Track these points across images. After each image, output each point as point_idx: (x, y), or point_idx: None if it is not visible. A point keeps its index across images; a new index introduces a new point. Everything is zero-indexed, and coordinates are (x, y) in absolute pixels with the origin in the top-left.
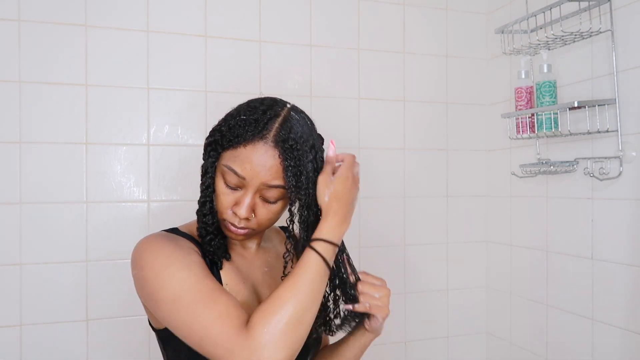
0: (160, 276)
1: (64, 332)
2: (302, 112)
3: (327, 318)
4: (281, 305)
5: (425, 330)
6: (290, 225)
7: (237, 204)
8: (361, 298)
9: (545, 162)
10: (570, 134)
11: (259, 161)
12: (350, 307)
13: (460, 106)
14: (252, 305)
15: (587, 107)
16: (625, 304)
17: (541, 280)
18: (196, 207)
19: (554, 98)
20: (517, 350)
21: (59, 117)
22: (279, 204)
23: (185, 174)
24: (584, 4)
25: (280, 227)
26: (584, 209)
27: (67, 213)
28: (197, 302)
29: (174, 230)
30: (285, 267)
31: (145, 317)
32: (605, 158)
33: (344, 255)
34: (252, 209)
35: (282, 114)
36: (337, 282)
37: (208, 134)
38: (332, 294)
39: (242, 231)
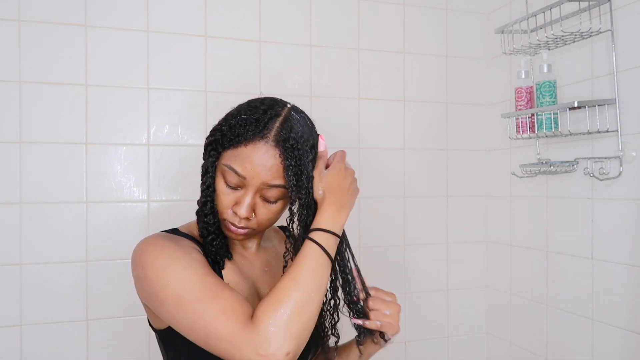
0: (162, 275)
1: (64, 332)
2: (302, 112)
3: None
4: (285, 297)
5: (425, 330)
6: (291, 225)
7: (237, 203)
8: (372, 315)
9: (545, 162)
10: (570, 134)
11: (259, 161)
12: (360, 322)
13: (460, 106)
14: (253, 305)
15: (587, 107)
16: (625, 304)
17: (541, 280)
18: (196, 207)
19: (554, 98)
20: (517, 350)
21: (59, 117)
22: (279, 204)
23: (185, 174)
24: (584, 4)
25: (279, 226)
26: (584, 209)
27: (67, 213)
28: (200, 299)
29: (174, 231)
30: (285, 267)
31: (146, 317)
32: (605, 158)
33: (355, 267)
34: (253, 209)
35: (283, 114)
36: (344, 284)
37: (208, 134)
38: (334, 296)
39: (242, 231)
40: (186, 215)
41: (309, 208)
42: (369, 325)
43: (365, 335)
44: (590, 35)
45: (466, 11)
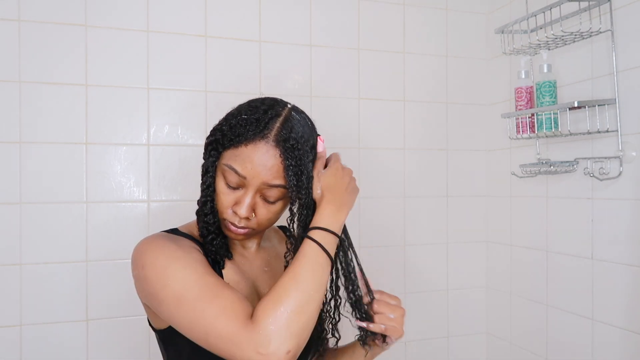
0: (162, 275)
1: (64, 332)
2: (302, 112)
3: (334, 320)
4: (285, 296)
5: (425, 330)
6: (291, 225)
7: (237, 203)
8: (377, 318)
9: (545, 162)
10: (570, 134)
11: (260, 160)
12: (364, 324)
13: (460, 106)
14: (253, 304)
15: (587, 107)
16: (625, 304)
17: (541, 280)
18: (196, 207)
19: (554, 98)
20: (517, 350)
21: (59, 117)
22: (279, 204)
23: (185, 174)
24: (584, 4)
25: (279, 226)
26: (584, 209)
27: (67, 213)
28: (200, 298)
29: (174, 231)
30: (286, 267)
31: (145, 317)
32: (605, 158)
33: (360, 270)
34: (253, 209)
35: (283, 114)
36: (347, 283)
37: (209, 133)
38: (335, 296)
39: (242, 231)
40: (186, 215)
41: (309, 208)
42: (373, 329)
43: (367, 337)
44: (590, 35)
45: (466, 11)
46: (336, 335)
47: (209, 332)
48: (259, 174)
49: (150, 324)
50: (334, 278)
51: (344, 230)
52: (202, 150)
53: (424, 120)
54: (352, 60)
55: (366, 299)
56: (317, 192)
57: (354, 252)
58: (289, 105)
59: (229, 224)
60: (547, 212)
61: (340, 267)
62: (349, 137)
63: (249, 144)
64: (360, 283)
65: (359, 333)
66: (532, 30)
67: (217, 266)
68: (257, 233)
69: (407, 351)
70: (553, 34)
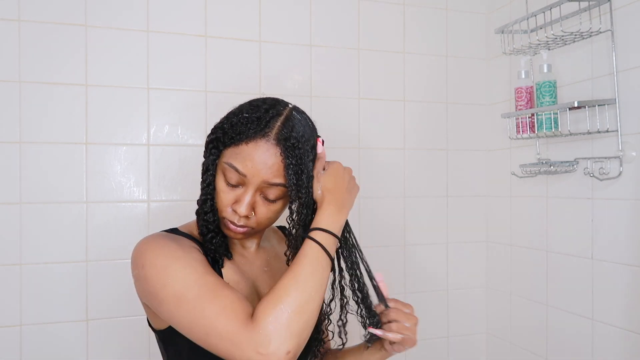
0: (162, 274)
1: (64, 332)
2: (303, 112)
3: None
4: (285, 296)
5: (425, 330)
6: (291, 224)
7: (237, 201)
8: (395, 327)
9: (545, 162)
10: (570, 134)
11: (260, 159)
12: (379, 333)
13: (460, 106)
14: (253, 304)
15: (587, 107)
16: (625, 304)
17: (541, 280)
18: (196, 207)
19: (554, 98)
20: (517, 350)
21: (59, 117)
22: (278, 203)
23: (185, 174)
24: (584, 4)
25: (278, 226)
26: (584, 209)
27: (67, 213)
28: (200, 297)
29: (174, 231)
30: (288, 265)
31: (145, 317)
32: (605, 158)
33: (368, 272)
34: (252, 207)
35: (285, 113)
36: (352, 280)
37: (210, 132)
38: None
39: (241, 229)
40: (186, 216)
41: (309, 207)
42: (392, 338)
43: (374, 341)
44: (590, 35)
45: (466, 11)
46: (342, 338)
47: (208, 332)
48: (259, 172)
49: (149, 324)
50: (338, 279)
51: (349, 229)
52: (202, 150)
53: (424, 120)
54: (352, 60)
55: (380, 308)
56: (317, 192)
57: (359, 251)
58: (290, 105)
59: (229, 223)
60: (547, 212)
61: (345, 266)
62: (349, 137)
63: (249, 142)
64: (378, 288)
65: (366, 336)
66: (532, 30)
67: (216, 265)
68: (256, 232)
69: (407, 351)
70: (553, 34)
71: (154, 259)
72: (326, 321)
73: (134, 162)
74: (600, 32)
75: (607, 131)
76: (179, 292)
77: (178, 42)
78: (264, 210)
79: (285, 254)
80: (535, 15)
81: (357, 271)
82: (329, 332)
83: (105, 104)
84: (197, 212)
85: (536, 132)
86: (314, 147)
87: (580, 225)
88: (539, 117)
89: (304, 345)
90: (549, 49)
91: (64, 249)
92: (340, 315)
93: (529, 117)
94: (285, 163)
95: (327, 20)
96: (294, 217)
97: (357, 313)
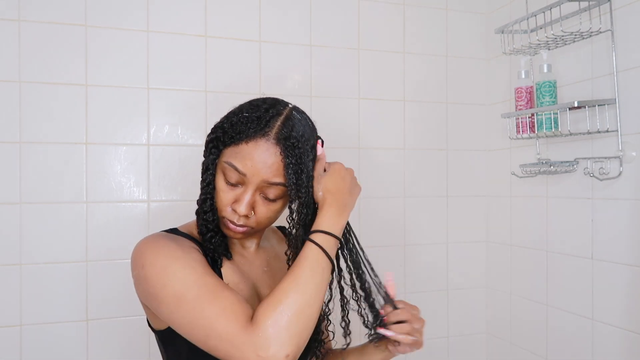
0: (161, 275)
1: (64, 332)
2: (303, 112)
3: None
4: (285, 298)
5: (426, 330)
6: (291, 224)
7: (236, 201)
8: (406, 328)
9: (545, 162)
10: (570, 134)
11: (260, 158)
12: (390, 334)
13: (460, 106)
14: (253, 305)
15: (587, 107)
16: (625, 304)
17: (541, 280)
18: (196, 207)
19: (554, 98)
20: (517, 350)
21: (59, 117)
22: (278, 203)
23: (185, 174)
24: (584, 4)
25: (277, 227)
26: (584, 209)
27: (67, 213)
28: (200, 298)
29: (174, 231)
30: (288, 266)
31: (145, 317)
32: (605, 158)
33: (376, 281)
34: (252, 207)
35: (284, 113)
36: (358, 277)
37: (210, 131)
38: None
39: (240, 229)
40: (186, 215)
41: (309, 207)
42: (403, 340)
43: (378, 341)
44: (590, 35)
45: (466, 11)
46: (347, 338)
47: (208, 333)
48: (259, 171)
49: (149, 325)
50: (337, 279)
51: (351, 230)
52: (202, 150)
53: (424, 120)
54: (352, 60)
55: (388, 309)
56: (318, 194)
57: (361, 250)
58: (290, 105)
59: (228, 222)
60: (547, 212)
61: (345, 267)
62: (349, 137)
63: (249, 141)
64: (386, 288)
65: (371, 335)
66: (532, 30)
67: (215, 265)
68: (256, 232)
69: None
70: (553, 34)
71: (153, 259)
72: (326, 321)
73: (134, 162)
74: (600, 32)
75: (607, 131)
76: (178, 292)
77: (178, 42)
78: (263, 210)
79: (285, 253)
80: (535, 15)
81: (359, 271)
82: (329, 333)
83: (105, 104)
84: (197, 212)
85: (536, 132)
86: (314, 147)
87: (580, 225)
88: (539, 117)
89: (304, 347)
90: (549, 49)
91: (64, 249)
92: (343, 316)
93: (529, 117)
94: (285, 162)
95: (327, 20)
96: (293, 216)
97: (358, 313)
